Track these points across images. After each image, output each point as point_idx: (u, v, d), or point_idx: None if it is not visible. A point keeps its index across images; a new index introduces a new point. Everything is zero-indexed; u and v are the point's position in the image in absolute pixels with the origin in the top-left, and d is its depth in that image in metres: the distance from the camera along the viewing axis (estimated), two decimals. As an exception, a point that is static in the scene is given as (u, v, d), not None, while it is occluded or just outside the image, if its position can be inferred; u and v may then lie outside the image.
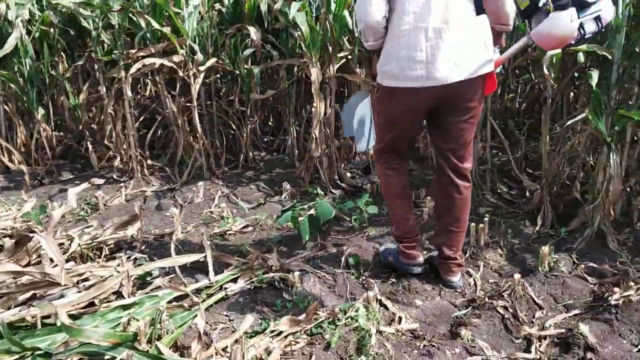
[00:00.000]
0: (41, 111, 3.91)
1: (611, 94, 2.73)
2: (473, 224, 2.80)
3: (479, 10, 2.09)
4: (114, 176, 3.90)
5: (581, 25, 1.91)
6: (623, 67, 2.70)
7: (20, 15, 3.53)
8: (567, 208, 3.14)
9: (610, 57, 2.67)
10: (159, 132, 4.44)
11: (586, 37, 1.95)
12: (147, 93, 4.80)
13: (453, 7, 2.03)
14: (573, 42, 1.97)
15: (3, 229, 2.81)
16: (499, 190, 3.45)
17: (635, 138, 2.97)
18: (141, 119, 4.23)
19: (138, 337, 1.88)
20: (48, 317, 2.06)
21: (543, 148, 3.10)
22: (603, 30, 2.05)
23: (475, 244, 2.79)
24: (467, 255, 2.72)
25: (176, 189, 3.70)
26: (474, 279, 2.52)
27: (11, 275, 2.18)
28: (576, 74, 3.42)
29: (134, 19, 3.59)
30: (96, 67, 3.97)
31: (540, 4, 1.93)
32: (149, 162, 4.03)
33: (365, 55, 3.73)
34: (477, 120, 2.29)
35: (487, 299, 2.34)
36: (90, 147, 4.03)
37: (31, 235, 2.36)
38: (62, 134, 4.54)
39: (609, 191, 2.75)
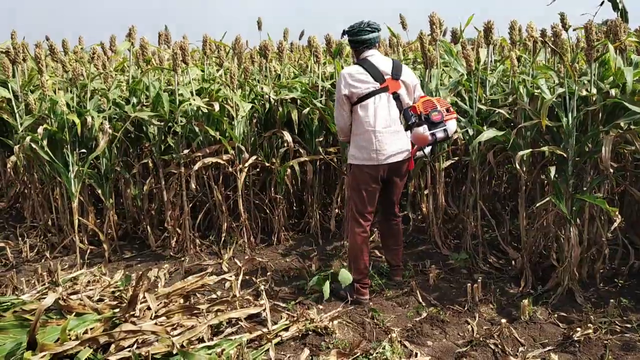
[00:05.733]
0: (111, 200, 4.75)
1: (569, 182, 3.59)
2: (469, 283, 3.58)
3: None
4: (171, 253, 4.69)
5: (433, 134, 3.32)
6: (575, 162, 3.58)
7: (106, 124, 4.43)
8: (544, 273, 3.91)
9: (565, 155, 3.55)
10: (201, 216, 5.26)
11: (437, 140, 3.36)
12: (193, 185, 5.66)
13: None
14: (430, 142, 3.35)
15: (111, 293, 3.63)
16: (489, 260, 4.23)
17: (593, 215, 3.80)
18: (190, 205, 5.06)
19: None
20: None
21: (521, 225, 3.93)
22: (450, 136, 3.44)
23: (471, 300, 3.55)
24: (465, 308, 3.48)
25: (225, 262, 4.47)
26: (471, 326, 3.27)
27: (130, 332, 2.91)
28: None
29: (193, 128, 4.52)
30: (155, 163, 4.86)
31: (410, 123, 3.36)
32: (198, 241, 4.83)
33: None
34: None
35: (482, 339, 3.09)
36: (149, 229, 4.84)
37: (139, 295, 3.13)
38: (118, 219, 5.35)
39: (573, 257, 3.55)
